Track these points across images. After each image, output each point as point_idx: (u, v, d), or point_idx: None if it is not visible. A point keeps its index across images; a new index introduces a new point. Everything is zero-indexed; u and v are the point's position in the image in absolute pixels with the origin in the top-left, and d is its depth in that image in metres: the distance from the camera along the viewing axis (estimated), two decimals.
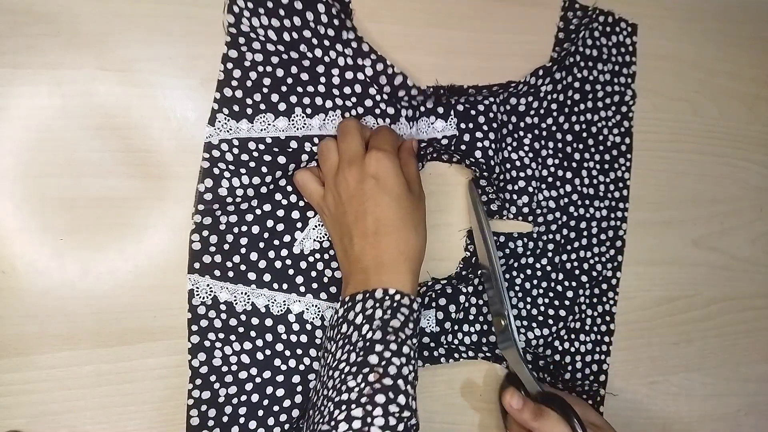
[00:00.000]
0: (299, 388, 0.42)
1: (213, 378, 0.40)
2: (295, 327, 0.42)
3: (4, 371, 0.37)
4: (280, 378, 0.41)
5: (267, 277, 0.41)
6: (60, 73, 0.37)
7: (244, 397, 0.40)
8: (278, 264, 0.42)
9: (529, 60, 0.48)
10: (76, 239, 0.38)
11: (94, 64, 0.38)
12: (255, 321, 0.41)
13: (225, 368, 0.40)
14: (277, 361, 0.41)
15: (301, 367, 0.42)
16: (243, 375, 0.41)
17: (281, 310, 0.41)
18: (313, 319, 0.42)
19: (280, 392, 0.41)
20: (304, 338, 0.42)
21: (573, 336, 0.49)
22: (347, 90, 0.42)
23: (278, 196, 0.42)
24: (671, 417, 0.54)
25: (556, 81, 0.48)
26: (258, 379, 0.41)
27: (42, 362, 0.38)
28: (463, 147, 0.44)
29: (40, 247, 0.37)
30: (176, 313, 0.40)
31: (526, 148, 0.47)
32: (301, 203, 0.42)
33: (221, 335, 0.40)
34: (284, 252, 0.42)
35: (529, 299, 0.48)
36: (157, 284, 0.40)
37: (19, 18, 0.36)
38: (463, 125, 0.44)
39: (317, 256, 0.43)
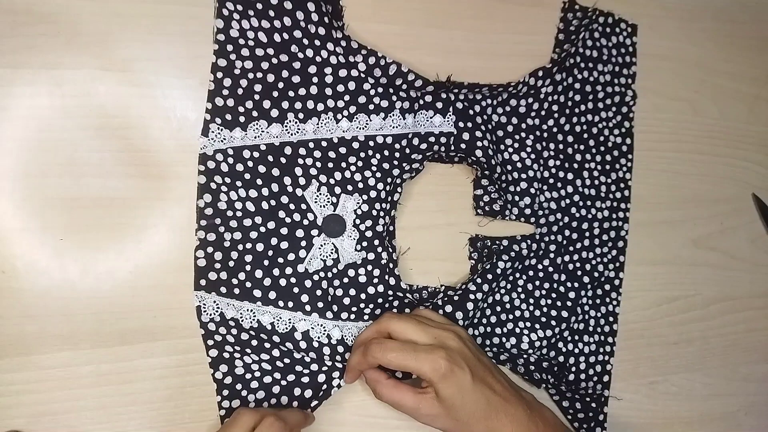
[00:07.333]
0: (324, 387, 0.42)
1: (239, 386, 0.41)
2: (302, 345, 0.41)
3: (4, 371, 0.37)
4: (305, 380, 0.42)
5: (272, 295, 0.41)
6: (60, 73, 0.37)
7: (273, 401, 0.41)
8: (283, 282, 0.41)
9: (529, 60, 0.48)
10: (76, 239, 0.38)
11: (94, 64, 0.38)
12: (264, 336, 0.41)
13: (248, 375, 0.41)
14: (299, 367, 0.42)
15: (324, 368, 0.42)
16: (268, 379, 0.41)
17: (287, 328, 0.41)
18: (319, 337, 0.42)
19: (308, 393, 0.42)
20: (313, 355, 0.42)
21: (576, 337, 0.49)
22: (340, 88, 0.42)
23: (281, 214, 0.41)
24: (671, 417, 0.54)
25: (556, 82, 0.48)
26: (284, 382, 0.41)
27: (42, 362, 0.38)
28: (463, 146, 0.44)
29: (40, 247, 0.37)
30: (176, 313, 0.40)
31: (528, 150, 0.47)
32: (305, 222, 0.42)
33: (237, 347, 0.40)
34: (289, 270, 0.41)
35: (531, 300, 0.48)
36: (157, 284, 0.40)
37: (19, 18, 0.36)
38: (461, 124, 0.44)
39: (321, 274, 0.42)
